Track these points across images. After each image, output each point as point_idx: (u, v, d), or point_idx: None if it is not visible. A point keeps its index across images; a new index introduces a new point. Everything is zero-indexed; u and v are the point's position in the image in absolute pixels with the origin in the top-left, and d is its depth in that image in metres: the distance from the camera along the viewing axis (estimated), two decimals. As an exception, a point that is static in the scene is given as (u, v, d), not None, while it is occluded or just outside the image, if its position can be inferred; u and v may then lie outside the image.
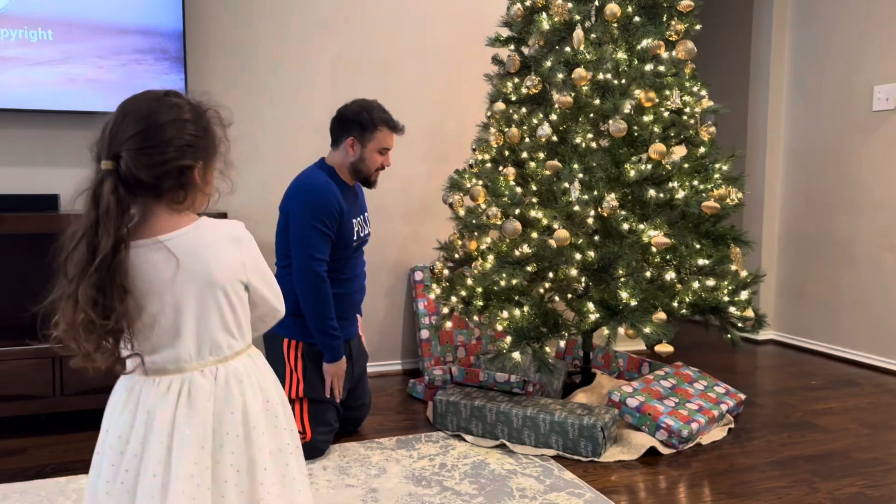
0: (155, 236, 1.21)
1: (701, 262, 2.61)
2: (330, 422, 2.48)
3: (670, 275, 2.61)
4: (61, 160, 2.98)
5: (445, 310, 2.95)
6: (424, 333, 3.48)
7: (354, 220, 2.54)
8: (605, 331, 2.59)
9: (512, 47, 2.95)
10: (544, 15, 2.72)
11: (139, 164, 1.17)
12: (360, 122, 2.49)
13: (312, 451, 2.42)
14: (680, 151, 2.65)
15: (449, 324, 2.98)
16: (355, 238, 2.54)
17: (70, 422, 2.81)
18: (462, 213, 2.96)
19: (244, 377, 1.28)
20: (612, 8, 2.59)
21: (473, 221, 2.89)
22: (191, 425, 1.20)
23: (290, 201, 2.47)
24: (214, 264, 1.24)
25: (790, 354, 4.09)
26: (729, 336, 2.68)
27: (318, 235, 2.38)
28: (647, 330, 2.47)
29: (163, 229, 1.22)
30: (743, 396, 2.99)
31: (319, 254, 2.39)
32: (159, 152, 1.18)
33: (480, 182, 2.88)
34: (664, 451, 2.56)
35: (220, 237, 1.27)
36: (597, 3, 2.69)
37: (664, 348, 2.52)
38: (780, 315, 4.36)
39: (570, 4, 2.66)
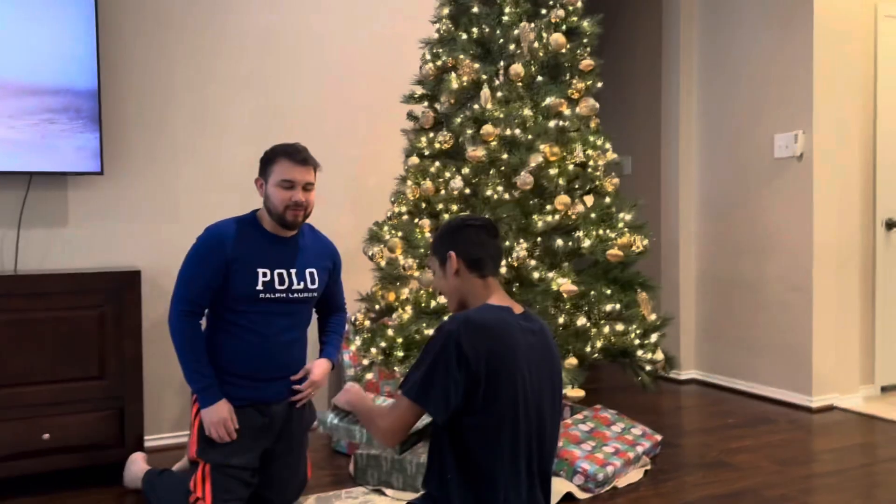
0: None
1: (609, 307, 2.70)
2: (232, 489, 2.26)
3: (581, 320, 2.69)
4: (-30, 220, 2.92)
5: (366, 361, 2.96)
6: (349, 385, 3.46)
7: (263, 270, 2.33)
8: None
9: (426, 104, 3.06)
10: (454, 74, 2.83)
11: None
12: (262, 160, 2.38)
13: None
14: (588, 202, 2.76)
15: (370, 375, 2.99)
16: (260, 288, 2.33)
17: None
18: (383, 264, 3.00)
19: None
20: (517, 69, 2.72)
21: (393, 273, 2.94)
22: None
23: None
24: None
25: (711, 393, 4.22)
26: (639, 378, 2.77)
27: (190, 277, 2.30)
28: (558, 376, 2.53)
29: None
30: (659, 437, 3.07)
31: (187, 293, 2.29)
32: None
33: (399, 234, 2.93)
34: (581, 495, 2.60)
35: None
36: (502, 63, 2.83)
37: (575, 393, 2.58)
38: (700, 355, 4.50)
39: (476, 65, 2.78)
